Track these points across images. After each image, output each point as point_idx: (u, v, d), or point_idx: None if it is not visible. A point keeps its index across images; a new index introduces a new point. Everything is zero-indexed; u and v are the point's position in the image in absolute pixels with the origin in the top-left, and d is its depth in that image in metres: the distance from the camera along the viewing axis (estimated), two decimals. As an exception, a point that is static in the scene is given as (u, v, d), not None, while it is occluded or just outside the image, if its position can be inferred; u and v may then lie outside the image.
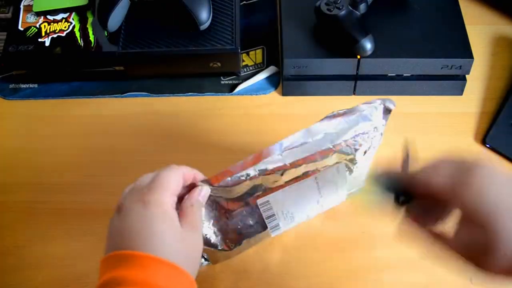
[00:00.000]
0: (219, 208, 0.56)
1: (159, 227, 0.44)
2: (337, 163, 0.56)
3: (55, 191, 0.69)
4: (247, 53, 0.81)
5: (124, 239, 0.44)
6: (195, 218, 0.48)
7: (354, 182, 0.62)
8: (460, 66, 0.73)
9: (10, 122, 0.76)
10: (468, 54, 0.72)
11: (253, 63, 0.80)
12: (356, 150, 0.56)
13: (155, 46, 0.74)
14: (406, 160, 0.46)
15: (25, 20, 0.78)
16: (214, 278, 0.63)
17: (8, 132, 0.75)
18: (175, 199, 0.48)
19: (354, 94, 0.77)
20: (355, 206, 0.68)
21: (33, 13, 0.79)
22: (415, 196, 0.45)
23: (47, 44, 0.76)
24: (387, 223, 0.68)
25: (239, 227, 0.58)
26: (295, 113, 0.76)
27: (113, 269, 0.42)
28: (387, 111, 0.57)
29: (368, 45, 0.70)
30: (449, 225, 0.45)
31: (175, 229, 0.45)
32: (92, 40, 0.76)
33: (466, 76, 0.75)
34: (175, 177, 0.48)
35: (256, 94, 0.78)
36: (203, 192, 0.51)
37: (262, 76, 0.79)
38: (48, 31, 0.77)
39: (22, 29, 0.77)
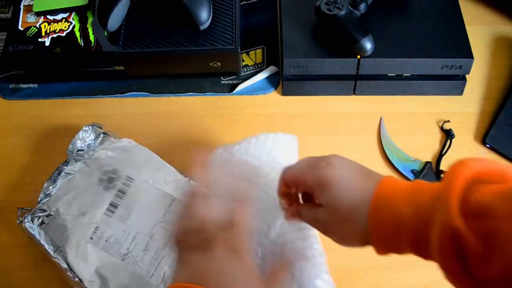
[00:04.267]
0: None
1: (244, 279, 0.44)
2: None
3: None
4: (247, 53, 0.81)
5: (207, 280, 0.43)
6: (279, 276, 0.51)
7: None
8: (460, 66, 0.73)
9: (10, 122, 0.76)
10: (468, 54, 0.72)
11: (253, 63, 0.80)
12: None
13: (155, 46, 0.74)
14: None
15: (25, 20, 0.78)
16: None
17: (8, 132, 0.75)
18: None
19: (354, 94, 0.77)
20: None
21: (33, 13, 0.79)
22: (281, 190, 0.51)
23: (47, 44, 0.76)
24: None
25: None
26: (295, 113, 0.76)
27: None
28: None
29: (368, 45, 0.70)
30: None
31: (257, 284, 0.46)
32: (92, 40, 0.76)
33: (466, 76, 0.75)
34: (251, 219, 0.48)
35: (256, 94, 0.78)
36: None
37: (262, 76, 0.79)
38: (48, 31, 0.77)
39: (22, 29, 0.77)
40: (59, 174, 0.65)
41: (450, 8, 0.77)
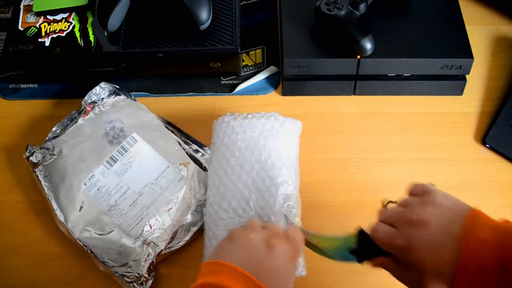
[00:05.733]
0: None
1: (291, 278, 0.51)
2: None
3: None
4: (247, 53, 0.81)
5: (261, 272, 0.48)
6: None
7: None
8: (460, 66, 0.73)
9: (10, 122, 0.76)
10: (468, 54, 0.72)
11: (253, 63, 0.80)
12: None
13: (155, 46, 0.74)
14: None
15: (25, 20, 0.78)
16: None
17: (8, 132, 0.75)
18: None
19: (354, 94, 0.77)
20: (355, 207, 0.68)
21: (33, 13, 0.79)
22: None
23: (47, 44, 0.76)
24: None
25: None
26: (295, 113, 0.76)
27: (239, 284, 0.46)
28: None
29: (368, 45, 0.70)
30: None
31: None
32: (92, 40, 0.76)
33: (466, 76, 0.75)
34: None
35: (256, 94, 0.78)
36: None
37: (262, 76, 0.79)
38: (48, 31, 0.77)
39: (22, 29, 0.77)
40: (70, 120, 0.70)
41: (450, 8, 0.77)
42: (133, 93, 0.78)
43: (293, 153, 0.66)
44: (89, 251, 0.62)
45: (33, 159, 0.67)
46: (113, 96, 0.72)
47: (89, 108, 0.70)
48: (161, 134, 0.70)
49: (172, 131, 0.71)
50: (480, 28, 0.83)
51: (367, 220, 0.68)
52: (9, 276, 0.65)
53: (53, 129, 0.69)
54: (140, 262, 0.62)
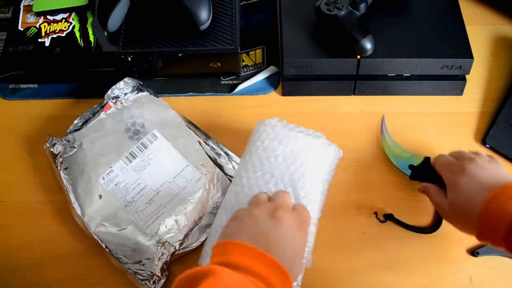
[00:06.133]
0: None
1: (300, 247, 0.55)
2: None
3: (55, 191, 0.69)
4: (247, 53, 0.81)
5: (271, 245, 0.51)
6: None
7: None
8: (460, 66, 0.73)
9: (10, 122, 0.76)
10: (468, 54, 0.72)
11: (253, 63, 0.80)
12: None
13: (155, 46, 0.74)
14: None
15: (25, 20, 0.78)
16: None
17: (8, 132, 0.75)
18: None
19: (354, 94, 0.77)
20: (356, 207, 0.68)
21: (33, 13, 0.79)
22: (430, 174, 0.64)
23: (47, 44, 0.76)
24: (388, 224, 0.68)
25: None
26: (295, 113, 0.76)
27: (252, 259, 0.48)
28: None
29: (368, 45, 0.70)
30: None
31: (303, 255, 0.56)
32: (92, 40, 0.76)
33: (466, 76, 0.75)
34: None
35: (256, 94, 0.78)
36: None
37: (262, 76, 0.79)
38: (48, 31, 0.77)
39: (22, 29, 0.77)
40: (91, 113, 0.70)
41: (450, 8, 0.77)
42: (133, 93, 0.78)
43: (324, 178, 0.63)
44: (104, 246, 0.62)
45: (54, 150, 0.67)
46: (136, 92, 0.72)
47: (111, 103, 0.70)
48: (181, 133, 0.69)
49: (193, 131, 0.70)
50: (480, 28, 0.83)
51: (367, 220, 0.68)
52: (9, 276, 0.65)
53: (75, 122, 0.70)
54: (154, 260, 0.62)
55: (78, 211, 0.64)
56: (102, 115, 0.70)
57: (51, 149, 0.67)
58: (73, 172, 0.66)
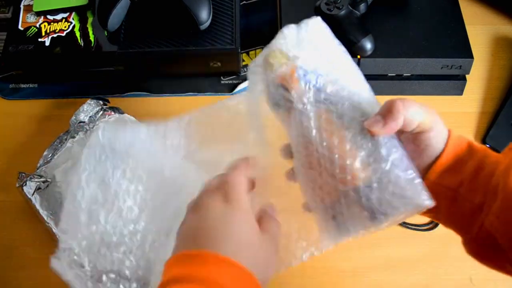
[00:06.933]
0: None
1: (239, 229, 0.43)
2: None
3: (55, 191, 0.69)
4: (247, 53, 0.81)
5: (199, 238, 0.42)
6: (273, 225, 0.46)
7: None
8: (460, 66, 0.73)
9: (10, 122, 0.76)
10: (468, 54, 0.72)
11: (253, 63, 0.80)
12: None
13: (155, 46, 0.74)
14: None
15: (25, 20, 0.78)
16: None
17: (8, 132, 0.75)
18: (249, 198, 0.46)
19: (354, 94, 0.77)
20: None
21: (33, 13, 0.79)
22: None
23: (47, 44, 0.76)
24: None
25: None
26: (295, 113, 0.76)
27: (178, 267, 0.40)
28: None
29: (368, 45, 0.70)
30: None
31: (255, 234, 0.44)
32: (92, 40, 0.76)
33: (466, 76, 0.75)
34: (246, 177, 0.47)
35: (256, 94, 0.78)
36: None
37: (262, 76, 0.79)
38: (48, 31, 0.77)
39: (22, 29, 0.77)
40: (60, 143, 0.68)
41: (450, 8, 0.77)
42: (133, 93, 0.78)
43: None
44: None
45: (26, 188, 0.64)
46: (101, 112, 0.69)
47: (77, 129, 0.68)
48: (149, 149, 0.64)
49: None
50: (480, 28, 0.83)
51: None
52: (9, 276, 0.65)
53: (44, 153, 0.67)
54: None
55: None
56: (69, 143, 0.67)
57: (24, 188, 0.64)
58: (52, 206, 0.64)
